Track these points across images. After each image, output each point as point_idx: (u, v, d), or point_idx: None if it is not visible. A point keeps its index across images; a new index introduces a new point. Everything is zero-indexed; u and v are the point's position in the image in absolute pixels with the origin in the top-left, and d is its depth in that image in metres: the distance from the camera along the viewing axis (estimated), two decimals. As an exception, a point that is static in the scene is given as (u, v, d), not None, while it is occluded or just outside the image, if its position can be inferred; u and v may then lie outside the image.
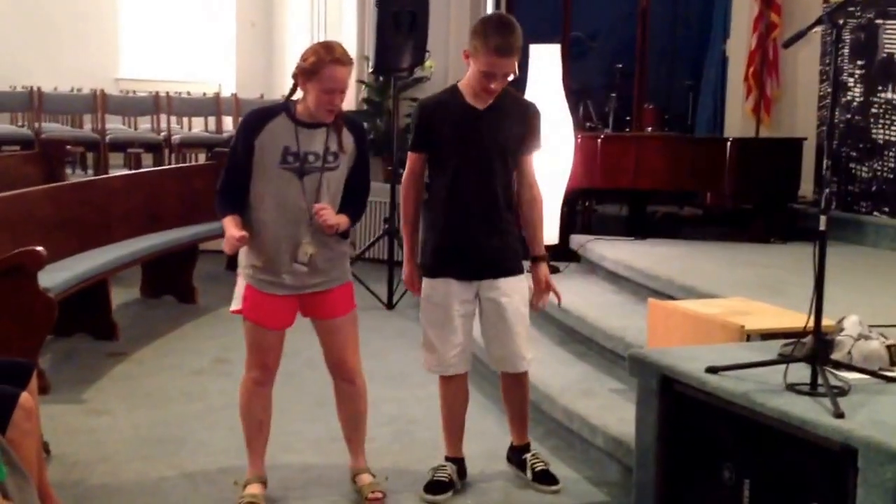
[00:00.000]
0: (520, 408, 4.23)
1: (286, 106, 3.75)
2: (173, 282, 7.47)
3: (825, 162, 3.23)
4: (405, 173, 4.03)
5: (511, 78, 3.88)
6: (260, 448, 3.95)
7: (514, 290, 4.01)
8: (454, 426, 4.16)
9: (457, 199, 3.93)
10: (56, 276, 5.42)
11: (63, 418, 4.81)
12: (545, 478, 4.14)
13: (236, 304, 3.89)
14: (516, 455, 4.26)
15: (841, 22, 3.40)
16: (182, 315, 7.05)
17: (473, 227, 3.94)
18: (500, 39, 3.74)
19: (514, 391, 4.20)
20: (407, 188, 4.01)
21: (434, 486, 4.03)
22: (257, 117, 3.76)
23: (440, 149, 3.95)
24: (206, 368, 5.79)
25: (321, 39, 10.43)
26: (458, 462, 4.15)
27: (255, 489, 3.88)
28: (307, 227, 3.74)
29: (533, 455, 4.22)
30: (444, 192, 3.95)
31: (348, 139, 3.79)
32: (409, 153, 4.02)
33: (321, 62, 3.62)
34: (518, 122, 4.00)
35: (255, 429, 3.94)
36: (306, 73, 3.66)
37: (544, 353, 5.49)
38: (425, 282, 4.04)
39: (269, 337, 3.86)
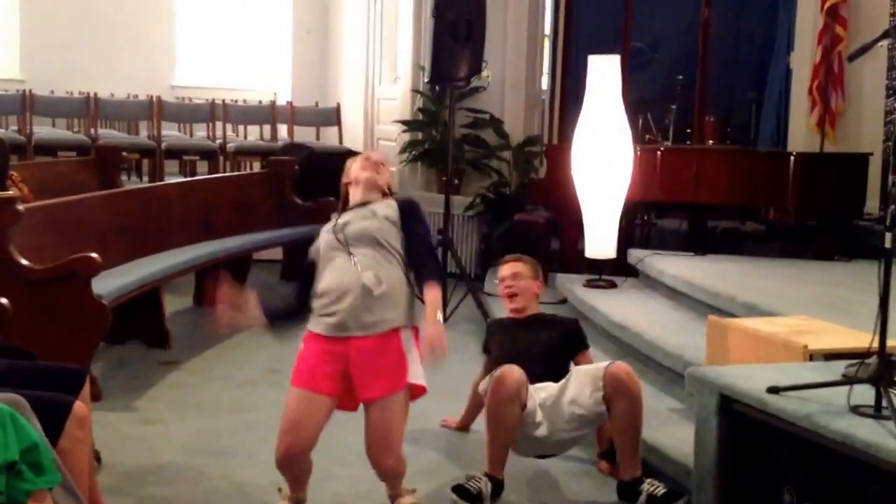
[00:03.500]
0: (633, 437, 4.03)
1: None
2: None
3: (890, 177, 3.13)
4: None
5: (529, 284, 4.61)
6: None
7: None
8: (501, 444, 4.03)
9: None
10: (109, 283, 5.39)
11: (115, 426, 4.79)
12: (670, 498, 3.90)
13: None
14: (629, 489, 4.00)
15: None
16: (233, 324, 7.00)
17: None
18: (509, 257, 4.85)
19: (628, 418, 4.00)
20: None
21: (462, 492, 3.94)
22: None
23: None
24: (257, 379, 5.74)
25: (377, 48, 10.50)
26: (496, 482, 4.02)
27: None
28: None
29: (650, 483, 3.96)
30: None
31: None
32: None
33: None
34: None
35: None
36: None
37: (601, 369, 5.39)
38: None
39: None
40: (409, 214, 3.82)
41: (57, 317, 4.98)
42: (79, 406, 3.23)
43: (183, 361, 6.05)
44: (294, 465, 3.74)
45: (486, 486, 3.98)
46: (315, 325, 3.72)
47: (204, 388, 5.58)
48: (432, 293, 3.67)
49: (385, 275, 3.65)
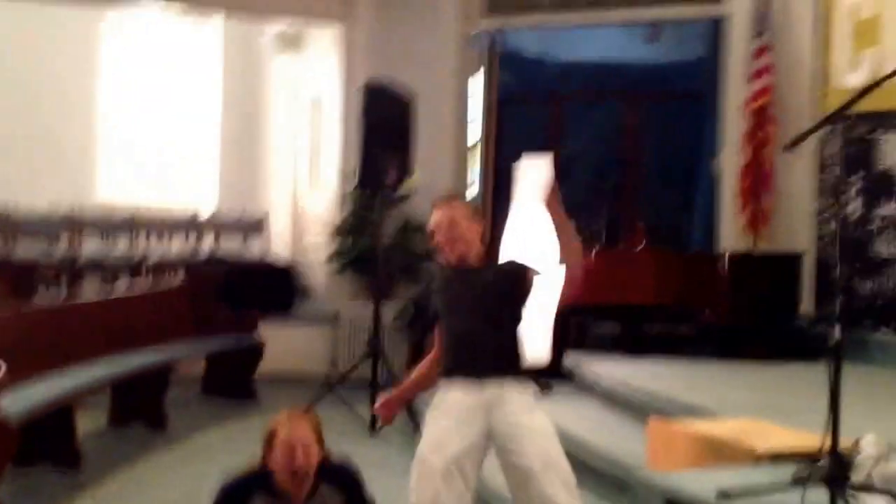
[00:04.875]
0: None
1: (264, 478, 3.43)
2: (143, 407, 7.10)
3: (838, 268, 3.05)
4: None
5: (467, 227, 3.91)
6: None
7: None
8: None
9: None
10: (18, 401, 5.09)
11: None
12: None
13: None
14: None
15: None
16: (152, 443, 6.67)
17: None
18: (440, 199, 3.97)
19: None
20: None
21: None
22: (231, 496, 3.45)
23: None
24: (177, 500, 5.40)
25: (303, 155, 10.39)
26: None
27: None
28: None
29: None
30: None
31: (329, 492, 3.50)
32: None
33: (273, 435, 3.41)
34: None
35: None
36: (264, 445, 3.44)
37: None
38: None
39: None
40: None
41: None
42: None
43: (96, 484, 5.69)
44: None
45: None
46: None
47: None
48: None
49: None
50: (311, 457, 3.38)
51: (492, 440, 3.61)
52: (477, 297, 3.81)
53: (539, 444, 3.57)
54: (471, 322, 3.77)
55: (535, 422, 3.63)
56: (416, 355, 8.71)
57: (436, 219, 3.87)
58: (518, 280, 3.93)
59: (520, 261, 4.03)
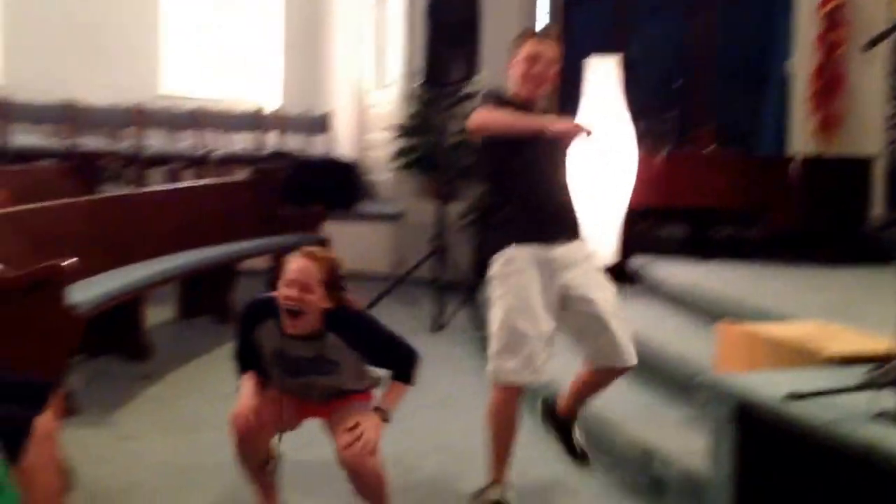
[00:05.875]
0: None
1: (276, 306, 3.42)
2: (211, 301, 7.18)
3: None
4: (483, 113, 3.78)
5: (553, 71, 3.83)
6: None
7: None
8: (507, 447, 3.87)
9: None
10: (87, 293, 5.14)
11: (91, 443, 4.54)
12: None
13: None
14: (563, 423, 4.12)
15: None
16: (218, 336, 6.75)
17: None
18: (538, 32, 3.85)
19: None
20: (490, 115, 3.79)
21: None
22: (251, 316, 3.55)
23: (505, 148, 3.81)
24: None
25: (369, 53, 10.28)
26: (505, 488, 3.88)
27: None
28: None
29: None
30: (508, 194, 3.88)
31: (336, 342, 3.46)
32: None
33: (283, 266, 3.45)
34: None
35: None
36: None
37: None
38: None
39: None
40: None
41: (28, 328, 4.73)
42: (43, 423, 2.98)
43: (163, 375, 5.79)
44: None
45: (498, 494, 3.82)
46: None
47: (184, 402, 5.32)
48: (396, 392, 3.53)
49: None
50: (306, 294, 3.35)
51: (564, 296, 3.77)
52: (550, 157, 3.85)
53: (607, 296, 3.84)
54: (545, 182, 3.83)
55: (600, 276, 3.90)
56: (479, 255, 8.72)
57: (532, 49, 3.82)
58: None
59: None
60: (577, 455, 4.12)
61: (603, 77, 6.71)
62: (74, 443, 4.22)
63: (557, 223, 3.83)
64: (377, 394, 3.58)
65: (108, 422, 4.91)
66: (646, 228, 7.57)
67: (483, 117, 3.75)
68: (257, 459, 3.56)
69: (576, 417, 4.13)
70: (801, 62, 8.70)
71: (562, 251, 3.79)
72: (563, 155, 3.92)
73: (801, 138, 8.59)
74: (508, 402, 3.82)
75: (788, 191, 6.98)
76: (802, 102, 8.58)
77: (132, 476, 4.19)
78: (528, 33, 3.89)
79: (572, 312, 3.79)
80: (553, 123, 3.66)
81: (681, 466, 3.92)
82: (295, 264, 3.38)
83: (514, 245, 3.77)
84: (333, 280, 3.40)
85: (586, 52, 7.17)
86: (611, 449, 4.44)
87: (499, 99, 3.83)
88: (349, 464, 3.34)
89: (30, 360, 4.42)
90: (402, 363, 3.53)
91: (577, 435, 4.13)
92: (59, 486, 3.21)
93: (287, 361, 3.48)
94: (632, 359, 3.83)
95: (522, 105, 3.81)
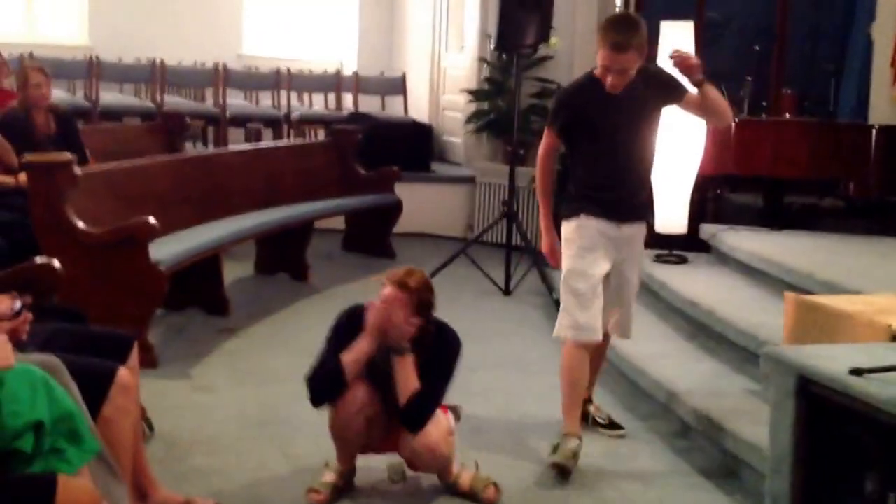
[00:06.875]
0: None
1: None
2: (287, 259, 7.34)
3: None
4: (542, 148, 4.24)
5: (632, 72, 3.95)
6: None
7: None
8: (579, 402, 4.18)
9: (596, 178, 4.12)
10: (168, 249, 5.33)
11: (169, 394, 4.71)
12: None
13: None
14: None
15: None
16: (294, 293, 6.92)
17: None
18: (617, 37, 3.87)
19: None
20: (543, 162, 4.25)
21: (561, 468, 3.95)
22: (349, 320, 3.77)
23: (580, 133, 4.09)
24: (315, 348, 5.60)
25: (444, 16, 10.31)
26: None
27: None
28: None
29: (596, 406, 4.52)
30: (581, 170, 4.15)
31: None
32: (547, 130, 4.20)
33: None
34: (654, 96, 4.10)
35: None
36: None
37: (670, 347, 5.25)
38: None
39: None
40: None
41: (113, 282, 4.93)
42: (123, 374, 3.12)
43: (241, 329, 5.96)
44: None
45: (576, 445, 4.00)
46: None
47: (262, 356, 5.48)
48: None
49: None
50: (391, 320, 3.53)
51: (613, 268, 4.13)
52: (625, 144, 4.07)
53: (636, 279, 4.33)
54: (618, 171, 4.08)
55: (641, 257, 4.37)
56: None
57: (608, 61, 3.93)
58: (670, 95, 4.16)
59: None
60: (610, 426, 4.46)
61: (677, 42, 6.66)
62: (154, 394, 4.38)
63: (626, 206, 4.11)
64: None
65: (187, 374, 5.08)
66: (719, 196, 7.52)
67: (539, 165, 4.26)
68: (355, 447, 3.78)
69: (589, 399, 4.48)
70: (885, 26, 8.50)
71: (626, 230, 4.12)
72: (647, 134, 4.11)
73: (883, 106, 8.42)
74: (574, 357, 4.05)
75: (867, 160, 6.87)
76: (884, 69, 8.40)
77: (207, 427, 4.35)
78: (609, 27, 3.96)
79: (610, 284, 4.15)
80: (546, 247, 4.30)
81: (744, 438, 3.96)
82: (383, 293, 3.57)
83: (583, 215, 4.05)
84: (423, 305, 3.58)
85: (667, 15, 7.13)
86: (675, 417, 4.50)
87: (566, 101, 4.17)
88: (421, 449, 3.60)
89: (115, 314, 4.61)
90: (422, 406, 3.61)
91: (594, 409, 4.50)
92: (138, 436, 3.37)
93: (376, 373, 3.63)
94: (630, 334, 4.37)
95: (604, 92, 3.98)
